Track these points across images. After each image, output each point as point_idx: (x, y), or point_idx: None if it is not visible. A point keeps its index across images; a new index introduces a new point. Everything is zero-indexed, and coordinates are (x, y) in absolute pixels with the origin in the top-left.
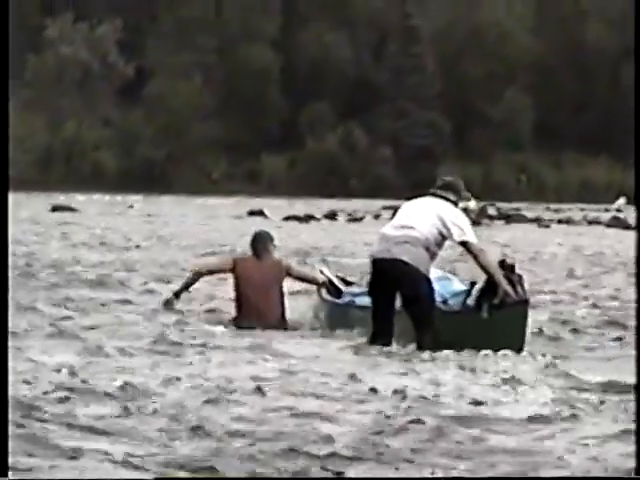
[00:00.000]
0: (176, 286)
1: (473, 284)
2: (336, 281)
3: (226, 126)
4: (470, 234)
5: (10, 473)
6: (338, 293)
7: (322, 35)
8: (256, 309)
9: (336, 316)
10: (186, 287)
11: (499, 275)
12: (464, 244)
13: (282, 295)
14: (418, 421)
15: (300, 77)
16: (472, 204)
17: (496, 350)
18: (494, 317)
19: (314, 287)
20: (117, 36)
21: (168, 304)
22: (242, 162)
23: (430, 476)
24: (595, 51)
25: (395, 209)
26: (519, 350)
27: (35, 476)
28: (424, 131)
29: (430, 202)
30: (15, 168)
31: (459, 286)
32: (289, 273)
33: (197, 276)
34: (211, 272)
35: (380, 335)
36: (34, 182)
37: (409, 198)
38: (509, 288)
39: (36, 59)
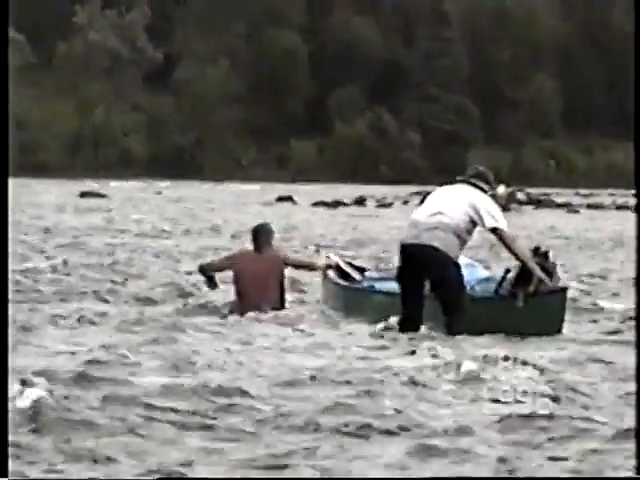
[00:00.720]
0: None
1: (507, 271)
2: (344, 266)
3: (254, 111)
4: (502, 221)
5: (10, 473)
6: (346, 278)
7: (350, 19)
8: (254, 303)
9: (353, 302)
10: (209, 280)
11: (532, 263)
12: (495, 231)
13: (282, 289)
14: None
15: (328, 61)
16: (501, 190)
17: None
18: (530, 306)
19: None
20: (146, 22)
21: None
22: (271, 147)
23: (431, 476)
24: (622, 34)
25: (424, 195)
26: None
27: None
28: (452, 116)
29: (462, 189)
30: (44, 154)
31: (484, 273)
32: (286, 263)
33: (204, 271)
34: (219, 269)
35: (410, 320)
36: (62, 168)
37: (442, 184)
38: (544, 276)
39: (65, 45)
